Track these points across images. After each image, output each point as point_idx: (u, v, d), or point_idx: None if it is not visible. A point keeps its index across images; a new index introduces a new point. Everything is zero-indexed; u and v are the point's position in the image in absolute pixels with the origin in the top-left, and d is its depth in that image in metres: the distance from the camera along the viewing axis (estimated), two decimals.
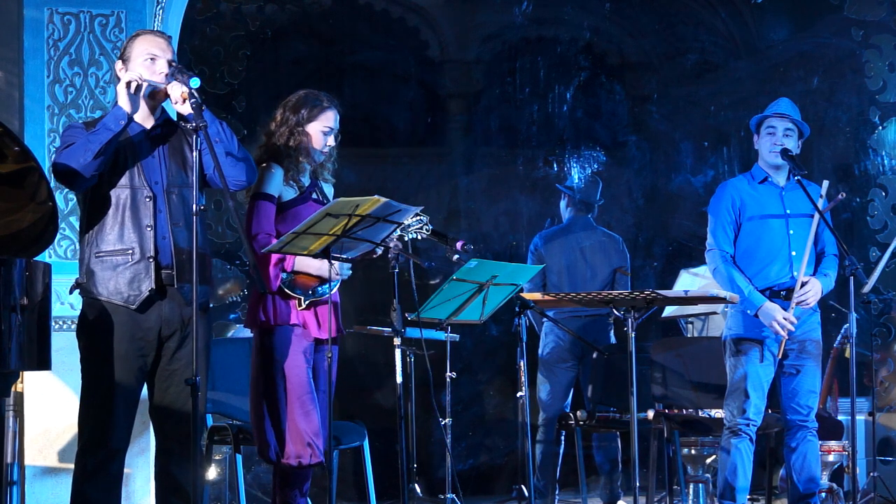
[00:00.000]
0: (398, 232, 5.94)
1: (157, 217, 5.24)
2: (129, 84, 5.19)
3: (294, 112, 5.94)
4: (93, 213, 5.26)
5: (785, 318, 6.64)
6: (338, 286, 5.93)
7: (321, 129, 5.95)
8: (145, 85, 5.23)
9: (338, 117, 6.02)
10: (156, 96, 5.33)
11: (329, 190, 6.11)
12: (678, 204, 11.14)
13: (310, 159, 5.96)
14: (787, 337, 6.65)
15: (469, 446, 10.51)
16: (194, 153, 5.06)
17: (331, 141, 5.99)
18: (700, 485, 8.84)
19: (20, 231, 4.91)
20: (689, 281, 8.85)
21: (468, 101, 11.32)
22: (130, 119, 5.20)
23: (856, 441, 6.90)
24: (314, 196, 5.97)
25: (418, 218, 6.01)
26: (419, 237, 6.08)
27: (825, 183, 6.72)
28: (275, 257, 5.72)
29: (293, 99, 6.00)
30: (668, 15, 11.24)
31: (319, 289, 5.80)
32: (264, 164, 5.87)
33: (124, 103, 5.19)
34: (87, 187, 5.21)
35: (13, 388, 6.75)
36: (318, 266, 5.74)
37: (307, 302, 5.80)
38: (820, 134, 10.09)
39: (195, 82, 5.12)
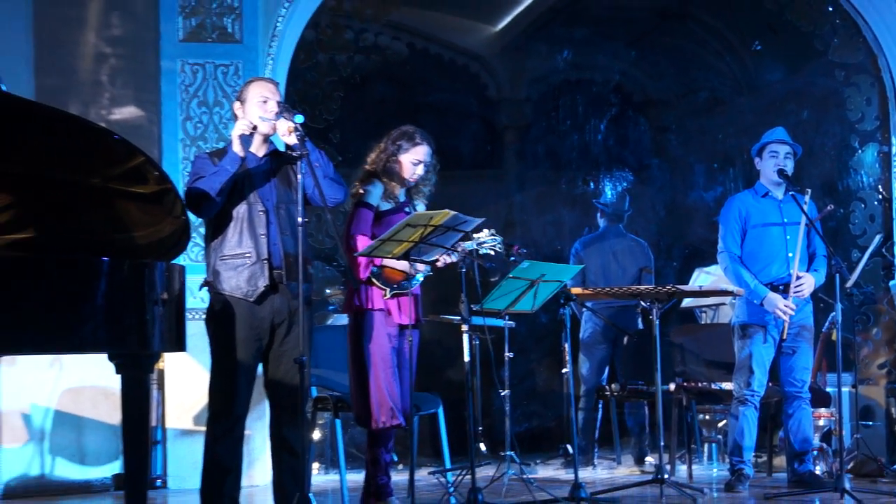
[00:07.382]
0: (473, 246, 5.90)
1: (269, 227, 5.25)
2: (241, 135, 5.21)
3: (392, 143, 5.90)
4: (217, 225, 5.29)
5: (785, 305, 6.63)
6: (420, 282, 5.89)
7: (411, 160, 5.89)
8: (252, 127, 5.25)
9: (429, 151, 5.94)
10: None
11: (421, 208, 6.02)
12: (693, 215, 11.06)
13: (401, 183, 5.91)
14: (788, 321, 6.64)
15: (523, 413, 10.46)
16: (298, 176, 5.06)
17: (420, 170, 5.90)
18: (713, 444, 8.78)
19: (161, 240, 4.93)
20: (703, 278, 8.80)
21: (520, 132, 11.30)
22: (243, 160, 5.21)
23: (841, 408, 6.90)
24: (406, 209, 5.93)
25: (494, 237, 5.97)
26: (492, 252, 6.02)
27: (808, 191, 6.72)
28: None
29: (395, 133, 5.93)
30: (683, 60, 11.18)
31: (405, 283, 5.77)
32: (369, 181, 5.85)
33: (238, 149, 5.21)
34: (212, 214, 5.24)
35: (156, 367, 6.79)
36: (403, 263, 5.71)
37: (391, 293, 5.77)
38: (809, 157, 9.95)
39: (299, 118, 5.12)
